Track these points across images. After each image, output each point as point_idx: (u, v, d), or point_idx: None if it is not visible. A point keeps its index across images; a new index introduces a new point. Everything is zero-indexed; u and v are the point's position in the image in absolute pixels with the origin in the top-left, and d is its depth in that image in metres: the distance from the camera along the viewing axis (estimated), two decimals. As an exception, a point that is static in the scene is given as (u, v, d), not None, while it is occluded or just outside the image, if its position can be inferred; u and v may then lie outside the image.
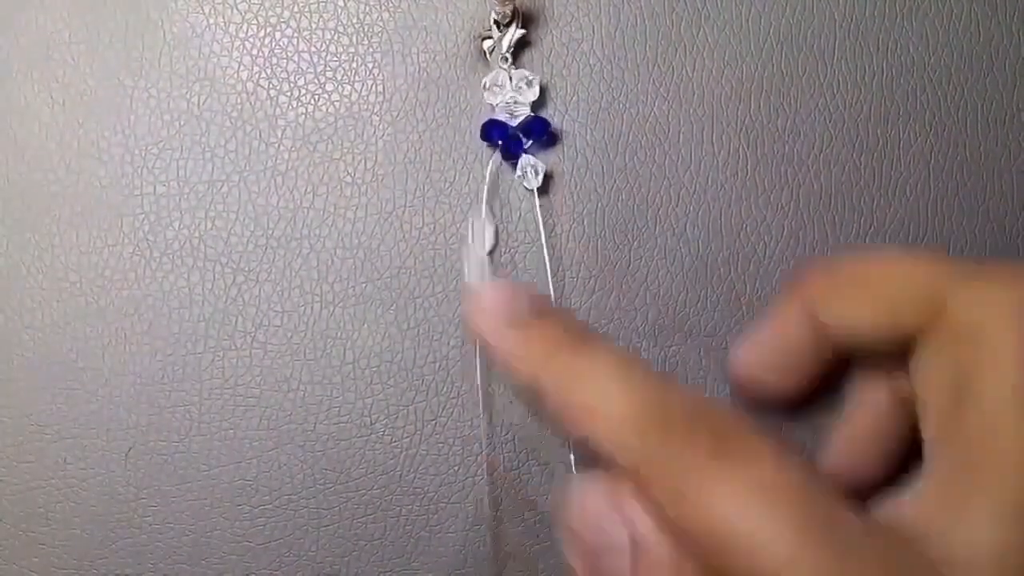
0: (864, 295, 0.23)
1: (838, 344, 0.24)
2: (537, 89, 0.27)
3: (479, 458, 0.27)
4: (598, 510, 0.21)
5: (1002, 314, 0.20)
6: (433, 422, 0.27)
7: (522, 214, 0.27)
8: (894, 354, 0.23)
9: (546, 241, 0.27)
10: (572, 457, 0.27)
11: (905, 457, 0.24)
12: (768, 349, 0.25)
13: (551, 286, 0.27)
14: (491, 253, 0.27)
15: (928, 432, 0.21)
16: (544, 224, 0.27)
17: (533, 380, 0.22)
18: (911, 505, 0.20)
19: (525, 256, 0.27)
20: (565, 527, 0.22)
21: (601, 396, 0.21)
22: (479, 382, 0.27)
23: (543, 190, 0.27)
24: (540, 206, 0.27)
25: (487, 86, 0.27)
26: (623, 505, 0.21)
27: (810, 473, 0.20)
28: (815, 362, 0.24)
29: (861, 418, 0.25)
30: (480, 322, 0.23)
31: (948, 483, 0.20)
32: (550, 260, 0.27)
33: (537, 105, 0.27)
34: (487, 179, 0.27)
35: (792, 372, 0.25)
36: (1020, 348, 0.20)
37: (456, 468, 0.27)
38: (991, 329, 0.20)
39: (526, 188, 0.27)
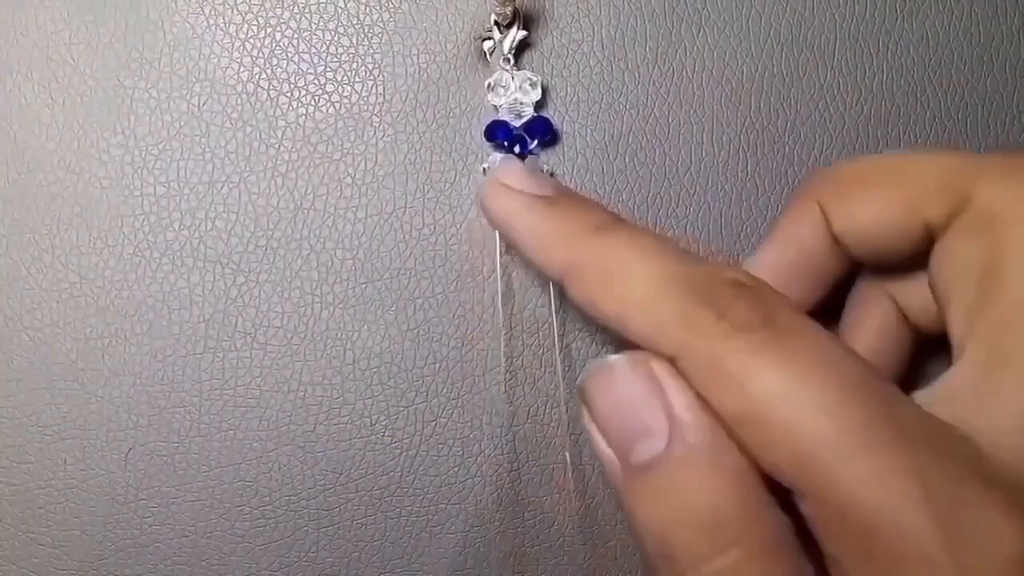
0: (881, 191, 0.22)
1: (856, 246, 0.23)
2: (540, 90, 0.27)
3: (479, 459, 0.27)
4: (632, 393, 0.20)
5: None
6: (433, 423, 0.27)
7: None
8: (908, 258, 0.22)
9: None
10: (568, 456, 0.27)
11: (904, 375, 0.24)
12: (780, 263, 0.24)
13: (552, 288, 0.27)
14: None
15: (956, 327, 0.20)
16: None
17: (565, 263, 0.21)
18: (940, 399, 0.19)
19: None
20: (594, 414, 0.21)
21: (639, 278, 0.20)
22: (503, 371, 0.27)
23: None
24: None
25: (491, 86, 0.27)
26: (659, 387, 0.19)
27: (852, 352, 0.19)
28: (830, 272, 0.23)
29: (860, 334, 0.24)
30: (503, 201, 0.22)
31: (981, 371, 0.19)
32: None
33: (538, 106, 0.27)
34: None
35: (807, 284, 0.23)
36: None
37: (456, 469, 0.27)
38: (1016, 215, 0.20)
39: None
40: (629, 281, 0.20)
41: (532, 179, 0.23)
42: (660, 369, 0.20)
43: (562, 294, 0.23)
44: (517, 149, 0.27)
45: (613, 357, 0.20)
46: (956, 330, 0.20)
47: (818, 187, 0.23)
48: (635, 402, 0.20)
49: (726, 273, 0.20)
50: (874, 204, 0.22)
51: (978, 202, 0.21)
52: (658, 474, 0.19)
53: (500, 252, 0.27)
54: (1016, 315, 0.19)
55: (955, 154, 0.22)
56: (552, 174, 0.27)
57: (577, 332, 0.27)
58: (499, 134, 0.27)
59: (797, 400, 0.18)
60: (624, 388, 0.20)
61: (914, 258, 0.22)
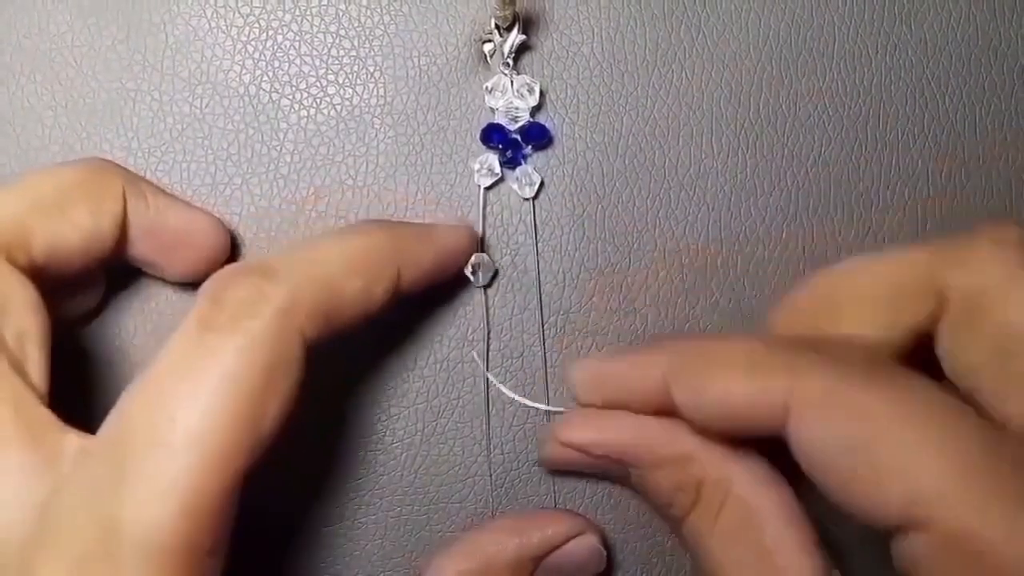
0: (863, 313, 0.23)
1: None
2: (537, 95, 0.27)
3: (479, 459, 0.27)
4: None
5: (1004, 273, 0.21)
6: (434, 423, 0.27)
7: (522, 217, 0.28)
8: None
9: (538, 251, 0.27)
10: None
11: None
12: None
13: (539, 292, 0.27)
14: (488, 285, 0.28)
15: (1003, 406, 0.21)
16: (542, 228, 0.28)
17: (663, 386, 0.22)
18: None
19: (524, 260, 0.28)
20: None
21: (739, 349, 0.22)
22: (484, 382, 0.27)
23: (540, 193, 0.28)
24: (539, 208, 0.28)
25: (489, 90, 0.27)
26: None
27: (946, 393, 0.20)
28: None
29: None
30: (593, 367, 0.25)
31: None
32: (545, 265, 0.28)
33: (537, 108, 0.27)
34: (480, 188, 0.27)
35: None
36: None
37: (457, 469, 0.27)
38: (997, 294, 0.21)
39: (522, 197, 0.27)
40: (730, 355, 0.22)
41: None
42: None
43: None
44: (509, 154, 0.27)
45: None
46: (1001, 410, 0.21)
47: (806, 316, 0.24)
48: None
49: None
50: (862, 327, 0.23)
51: (954, 294, 0.22)
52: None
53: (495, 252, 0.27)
54: None
55: (911, 254, 0.23)
56: (543, 182, 0.27)
57: (569, 330, 0.28)
58: (495, 138, 0.27)
59: (909, 434, 0.19)
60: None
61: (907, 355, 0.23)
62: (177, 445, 0.19)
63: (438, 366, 0.27)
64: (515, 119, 0.27)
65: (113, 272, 0.26)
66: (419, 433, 0.27)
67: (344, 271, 0.22)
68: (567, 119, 0.28)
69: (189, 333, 0.20)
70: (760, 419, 0.21)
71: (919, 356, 0.22)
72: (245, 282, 0.21)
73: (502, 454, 0.27)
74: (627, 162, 0.28)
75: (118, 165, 0.25)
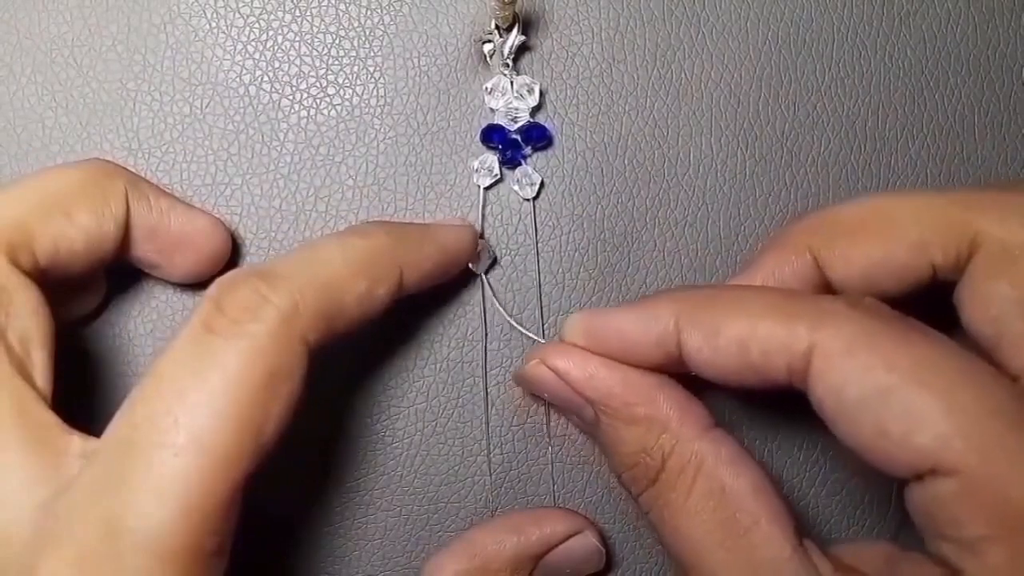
0: (882, 237, 0.23)
1: (852, 292, 0.23)
2: (537, 96, 0.27)
3: (479, 459, 0.27)
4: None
5: None
6: (434, 423, 0.27)
7: (522, 217, 0.28)
8: (905, 298, 0.22)
9: (538, 251, 0.28)
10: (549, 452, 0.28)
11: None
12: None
13: (540, 292, 0.27)
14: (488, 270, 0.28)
15: (1016, 360, 0.21)
16: (542, 228, 0.28)
17: (677, 311, 0.22)
18: None
19: (524, 260, 0.28)
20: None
21: (764, 294, 0.22)
22: (483, 385, 0.27)
23: (540, 193, 0.28)
24: (538, 209, 0.28)
25: (489, 90, 0.27)
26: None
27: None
28: None
29: None
30: (588, 319, 0.24)
31: None
32: (545, 266, 0.28)
33: (537, 109, 0.27)
34: (480, 188, 0.27)
35: None
36: None
37: (456, 468, 0.27)
38: None
39: (522, 198, 0.27)
40: (750, 299, 0.22)
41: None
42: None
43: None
44: (509, 154, 0.27)
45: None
46: (1017, 363, 0.21)
47: (809, 233, 0.24)
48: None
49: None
50: (876, 250, 0.23)
51: (988, 242, 0.21)
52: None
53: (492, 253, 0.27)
54: None
55: (949, 194, 0.23)
56: (543, 183, 0.27)
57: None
58: (494, 138, 0.27)
59: (938, 382, 0.19)
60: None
61: (910, 297, 0.23)
62: (180, 447, 0.19)
63: (438, 366, 0.27)
64: (515, 119, 0.27)
65: (115, 273, 0.26)
66: (419, 433, 0.27)
67: (346, 274, 0.22)
68: (567, 119, 0.28)
69: (192, 336, 0.20)
70: (778, 366, 0.21)
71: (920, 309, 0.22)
72: (248, 286, 0.21)
73: (502, 454, 0.27)
74: (627, 162, 0.28)
75: (121, 166, 0.25)
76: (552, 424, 0.28)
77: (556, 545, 0.25)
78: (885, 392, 0.19)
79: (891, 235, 0.23)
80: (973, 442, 0.19)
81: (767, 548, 0.21)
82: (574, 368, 0.24)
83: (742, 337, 0.21)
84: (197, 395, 0.20)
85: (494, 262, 0.27)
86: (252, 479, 0.20)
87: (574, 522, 0.26)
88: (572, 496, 0.28)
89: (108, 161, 0.25)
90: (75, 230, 0.23)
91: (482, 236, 0.27)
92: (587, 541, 0.26)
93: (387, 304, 0.23)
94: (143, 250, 0.25)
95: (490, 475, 0.27)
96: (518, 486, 0.28)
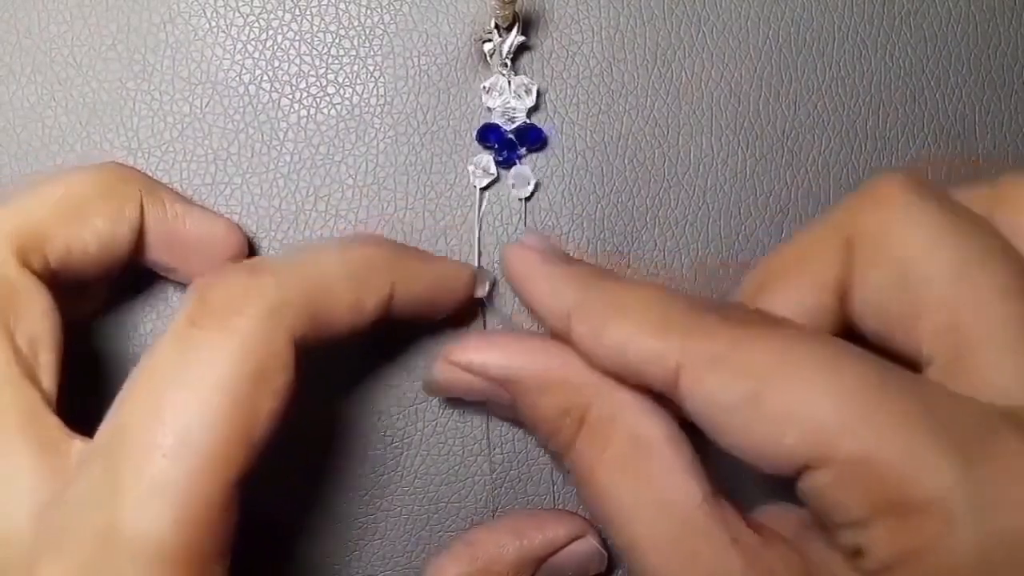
0: (793, 286, 0.23)
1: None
2: (534, 97, 0.27)
3: (479, 459, 0.27)
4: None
5: (902, 206, 0.21)
6: (434, 422, 0.27)
7: (521, 217, 0.28)
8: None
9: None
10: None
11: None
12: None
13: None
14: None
15: (914, 343, 0.21)
16: (541, 228, 0.28)
17: (574, 301, 0.22)
18: None
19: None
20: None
21: (644, 301, 0.22)
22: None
23: (539, 193, 0.28)
24: (537, 208, 0.28)
25: (487, 89, 0.27)
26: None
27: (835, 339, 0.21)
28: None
29: None
30: (519, 261, 0.24)
31: (949, 366, 0.20)
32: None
33: (536, 108, 0.27)
34: (476, 188, 0.27)
35: None
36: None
37: (456, 468, 0.27)
38: (903, 221, 0.21)
39: (517, 198, 0.27)
40: (631, 304, 0.22)
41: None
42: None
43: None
44: (505, 154, 0.27)
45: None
46: (915, 347, 0.21)
47: (756, 289, 0.24)
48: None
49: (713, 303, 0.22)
50: (792, 297, 0.23)
51: (860, 238, 0.22)
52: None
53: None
54: (946, 308, 0.20)
55: (824, 215, 0.23)
56: (538, 183, 0.27)
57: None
58: (490, 138, 0.27)
59: (798, 377, 0.19)
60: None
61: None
62: (170, 449, 0.19)
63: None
64: (511, 119, 0.27)
65: (126, 272, 0.26)
66: (419, 433, 0.27)
67: (336, 275, 0.22)
68: (566, 119, 0.28)
69: (177, 331, 0.20)
70: (653, 375, 0.21)
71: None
72: (233, 279, 0.21)
73: (502, 454, 0.27)
74: (627, 162, 0.28)
75: (136, 170, 0.25)
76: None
77: (559, 548, 0.25)
78: (748, 400, 0.19)
79: (788, 283, 0.23)
80: (841, 427, 0.19)
81: (678, 494, 0.21)
82: (480, 356, 0.24)
83: (619, 346, 0.21)
84: (184, 394, 0.19)
85: (494, 285, 0.27)
86: (248, 477, 0.20)
87: (577, 525, 0.26)
88: (572, 496, 0.27)
89: (124, 165, 0.25)
90: (89, 234, 0.23)
91: (480, 250, 0.27)
92: (589, 544, 0.26)
93: (375, 318, 0.23)
94: (159, 254, 0.25)
95: (490, 475, 0.27)
96: (518, 486, 0.28)
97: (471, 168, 0.27)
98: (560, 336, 0.23)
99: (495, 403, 0.25)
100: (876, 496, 0.18)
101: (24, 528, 0.20)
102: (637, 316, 0.21)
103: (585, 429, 0.22)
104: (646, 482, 0.21)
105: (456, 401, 0.27)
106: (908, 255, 0.21)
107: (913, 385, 0.19)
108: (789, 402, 0.19)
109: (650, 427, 0.22)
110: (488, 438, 0.27)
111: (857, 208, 0.22)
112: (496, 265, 0.27)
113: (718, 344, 0.20)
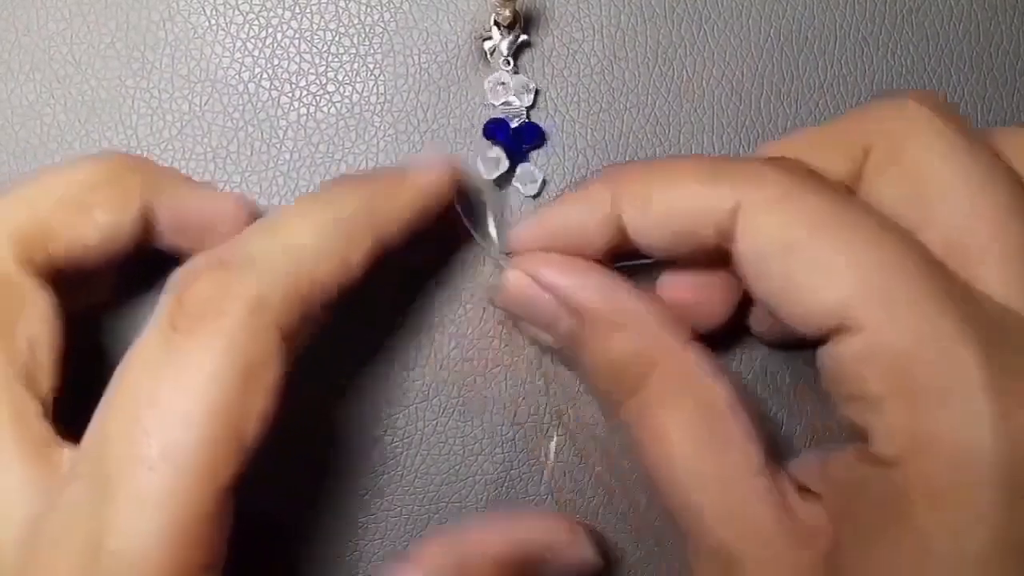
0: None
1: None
2: (532, 95, 0.27)
3: (479, 458, 0.27)
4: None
5: (921, 118, 0.22)
6: (434, 422, 0.27)
7: (524, 215, 0.27)
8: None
9: None
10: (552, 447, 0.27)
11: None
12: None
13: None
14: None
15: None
16: None
17: (606, 213, 0.22)
18: None
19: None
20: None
21: (684, 181, 0.22)
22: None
23: (539, 192, 0.27)
24: (537, 208, 0.28)
25: (491, 86, 0.27)
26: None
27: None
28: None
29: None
30: (546, 209, 0.24)
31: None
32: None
33: (536, 107, 0.27)
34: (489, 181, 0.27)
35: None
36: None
37: (457, 468, 0.27)
38: (919, 130, 0.22)
39: (524, 195, 0.27)
40: (678, 168, 0.22)
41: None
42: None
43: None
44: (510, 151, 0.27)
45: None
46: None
47: (609, 183, 0.23)
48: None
49: None
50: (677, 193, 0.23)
51: (877, 142, 0.22)
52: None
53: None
54: (954, 221, 0.21)
55: (843, 116, 0.24)
56: (545, 181, 0.27)
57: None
58: (497, 134, 0.27)
59: (845, 238, 0.20)
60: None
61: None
62: (155, 461, 0.18)
63: (438, 365, 0.27)
64: (512, 118, 0.27)
65: (135, 262, 0.26)
66: (419, 433, 0.27)
67: (315, 249, 0.21)
68: (567, 117, 0.27)
69: (158, 336, 0.19)
70: (707, 228, 0.21)
71: None
72: (209, 278, 0.20)
73: (502, 453, 0.27)
74: (628, 160, 0.28)
75: (142, 159, 0.25)
76: (551, 424, 0.27)
77: (544, 550, 0.25)
78: (797, 246, 0.20)
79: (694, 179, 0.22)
80: (879, 300, 0.19)
81: (739, 464, 0.21)
82: (562, 276, 0.23)
83: (672, 202, 0.21)
84: (167, 402, 0.19)
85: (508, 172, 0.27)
86: (241, 481, 0.20)
87: (565, 529, 0.25)
88: (573, 497, 0.27)
89: (128, 155, 0.25)
90: (92, 228, 0.22)
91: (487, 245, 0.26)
92: (579, 551, 0.25)
93: (368, 264, 0.22)
94: (172, 239, 0.24)
95: (491, 475, 0.27)
96: (519, 486, 0.27)
97: (478, 161, 0.27)
98: (607, 253, 0.23)
99: (545, 330, 0.24)
100: (897, 377, 0.18)
101: (13, 539, 0.19)
102: (686, 173, 0.21)
103: (654, 379, 0.22)
104: (709, 448, 0.21)
105: (456, 401, 0.27)
106: (923, 167, 0.21)
107: (947, 275, 0.20)
108: (836, 259, 0.19)
109: (718, 390, 0.22)
110: (489, 438, 0.27)
111: (877, 115, 0.22)
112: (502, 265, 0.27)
113: (774, 188, 0.20)
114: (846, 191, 0.21)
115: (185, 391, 0.19)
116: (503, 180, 0.27)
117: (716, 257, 0.22)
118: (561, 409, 0.27)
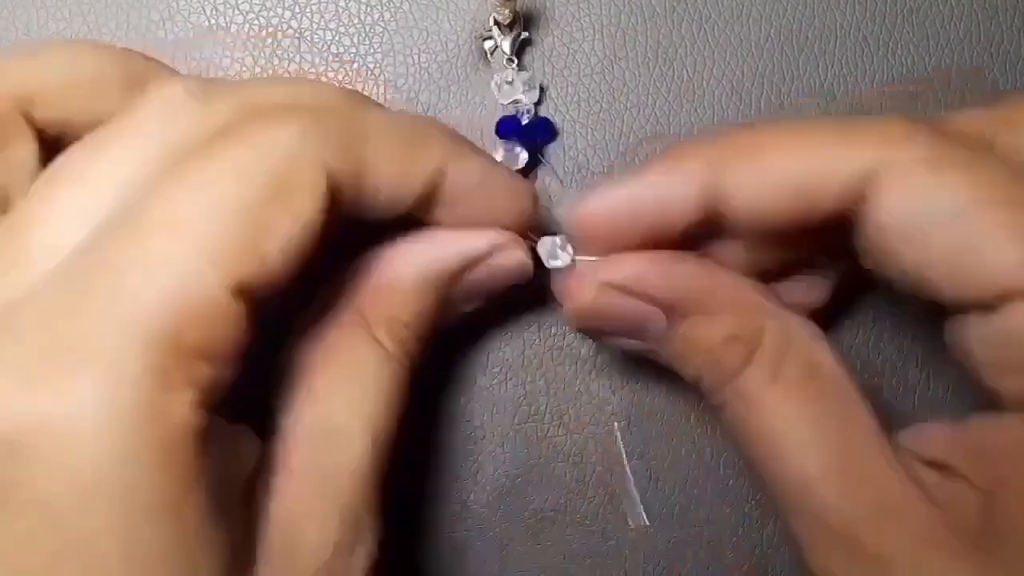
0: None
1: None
2: (537, 92, 0.27)
3: (480, 458, 0.27)
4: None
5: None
6: (435, 422, 0.27)
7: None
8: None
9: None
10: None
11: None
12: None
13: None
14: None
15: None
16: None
17: (704, 186, 0.20)
18: None
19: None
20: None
21: (806, 143, 0.20)
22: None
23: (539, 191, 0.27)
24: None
25: (497, 85, 0.27)
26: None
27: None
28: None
29: None
30: (625, 180, 0.22)
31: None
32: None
33: (537, 106, 0.27)
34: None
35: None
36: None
37: (457, 468, 0.27)
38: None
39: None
40: (794, 130, 0.20)
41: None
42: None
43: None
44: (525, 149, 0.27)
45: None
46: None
47: (704, 151, 0.21)
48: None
49: None
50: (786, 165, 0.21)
51: (1003, 151, 0.21)
52: None
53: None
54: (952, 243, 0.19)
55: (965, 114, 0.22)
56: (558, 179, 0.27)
57: (566, 333, 0.27)
58: (512, 131, 0.27)
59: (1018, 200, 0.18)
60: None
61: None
62: (169, 228, 0.17)
63: (438, 365, 0.27)
64: (522, 114, 0.27)
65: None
66: (419, 432, 0.27)
67: (383, 132, 0.20)
68: (568, 116, 0.27)
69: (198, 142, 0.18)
70: (828, 195, 0.19)
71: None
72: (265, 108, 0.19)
73: (503, 453, 0.27)
74: (628, 159, 0.28)
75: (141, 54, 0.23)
76: (551, 423, 0.27)
77: (478, 260, 0.23)
78: (964, 211, 0.18)
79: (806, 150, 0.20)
80: None
81: (856, 425, 0.20)
82: (642, 274, 0.21)
83: (794, 164, 0.19)
84: (192, 177, 0.17)
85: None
86: (257, 302, 0.18)
87: (497, 236, 0.22)
88: (573, 498, 0.27)
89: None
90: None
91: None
92: (513, 255, 0.23)
93: (418, 201, 0.20)
94: (425, 211, 0.22)
95: (492, 475, 0.27)
96: (519, 486, 0.27)
97: (500, 155, 0.26)
98: (689, 231, 0.21)
99: (638, 335, 0.22)
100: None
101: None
102: (807, 135, 0.20)
103: (759, 355, 0.20)
104: (823, 412, 0.20)
105: (455, 401, 0.27)
106: (914, 193, 0.19)
107: None
108: (1007, 226, 0.18)
109: (826, 353, 0.20)
110: (491, 438, 0.27)
111: (1003, 122, 0.21)
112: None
113: (927, 149, 0.18)
114: (988, 149, 0.20)
115: (209, 173, 0.18)
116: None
117: (818, 229, 0.20)
118: (561, 409, 0.27)
